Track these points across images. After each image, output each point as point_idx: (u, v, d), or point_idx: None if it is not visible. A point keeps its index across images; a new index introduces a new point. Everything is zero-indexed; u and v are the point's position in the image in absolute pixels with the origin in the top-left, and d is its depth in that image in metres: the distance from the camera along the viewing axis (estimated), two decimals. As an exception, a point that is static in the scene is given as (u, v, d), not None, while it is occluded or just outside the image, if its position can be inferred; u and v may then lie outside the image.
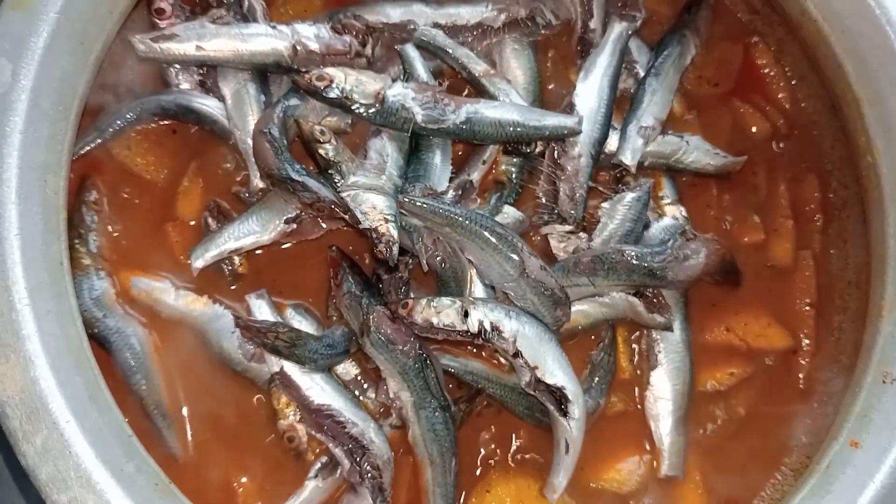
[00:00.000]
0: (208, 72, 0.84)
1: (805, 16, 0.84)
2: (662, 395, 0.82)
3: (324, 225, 0.80)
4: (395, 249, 0.74)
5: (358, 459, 0.74)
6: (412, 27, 0.84)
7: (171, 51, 0.80)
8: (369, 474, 0.74)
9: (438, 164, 0.80)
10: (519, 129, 0.80)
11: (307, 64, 0.81)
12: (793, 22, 0.87)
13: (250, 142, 0.80)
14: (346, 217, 0.76)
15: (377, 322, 0.74)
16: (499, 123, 0.79)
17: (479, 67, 0.85)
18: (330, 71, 0.77)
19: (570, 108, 0.83)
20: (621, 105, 0.87)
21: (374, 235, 0.74)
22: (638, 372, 0.84)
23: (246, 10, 0.84)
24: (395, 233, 0.74)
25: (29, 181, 0.68)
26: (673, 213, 0.85)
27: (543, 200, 0.83)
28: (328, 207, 0.76)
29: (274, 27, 0.81)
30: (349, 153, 0.80)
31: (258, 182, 0.81)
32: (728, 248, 0.83)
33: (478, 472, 0.80)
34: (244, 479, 0.78)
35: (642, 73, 0.88)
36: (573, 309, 0.78)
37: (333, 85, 0.76)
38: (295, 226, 0.79)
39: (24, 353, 0.65)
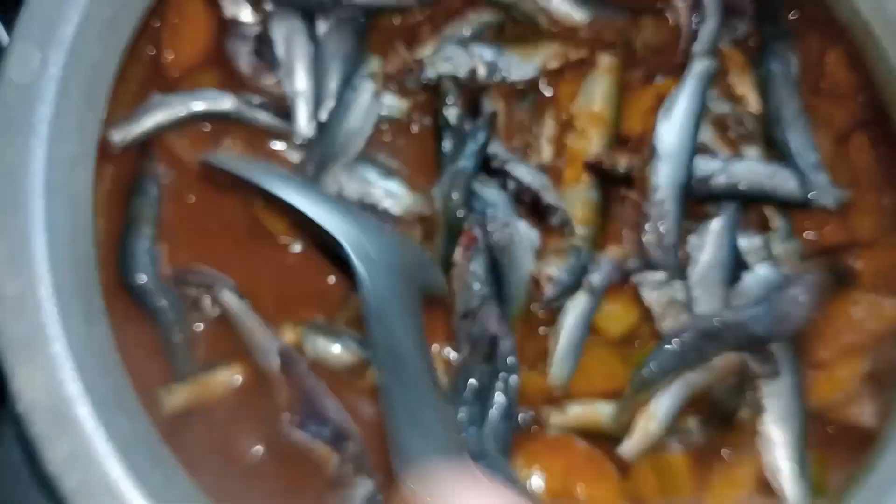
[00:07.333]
0: (264, 38, 0.81)
1: (855, 17, 0.81)
2: (775, 441, 0.74)
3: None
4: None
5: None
6: None
7: None
8: None
9: None
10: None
11: None
12: (840, 23, 0.84)
13: (296, 86, 0.80)
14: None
15: (484, 316, 0.73)
16: None
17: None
18: None
19: (650, 151, 0.77)
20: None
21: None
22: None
23: None
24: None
25: (57, 174, 0.65)
26: (778, 252, 0.78)
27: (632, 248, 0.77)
28: None
29: None
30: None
31: (305, 128, 0.79)
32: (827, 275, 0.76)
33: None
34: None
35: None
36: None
37: None
38: None
39: (51, 355, 0.61)
